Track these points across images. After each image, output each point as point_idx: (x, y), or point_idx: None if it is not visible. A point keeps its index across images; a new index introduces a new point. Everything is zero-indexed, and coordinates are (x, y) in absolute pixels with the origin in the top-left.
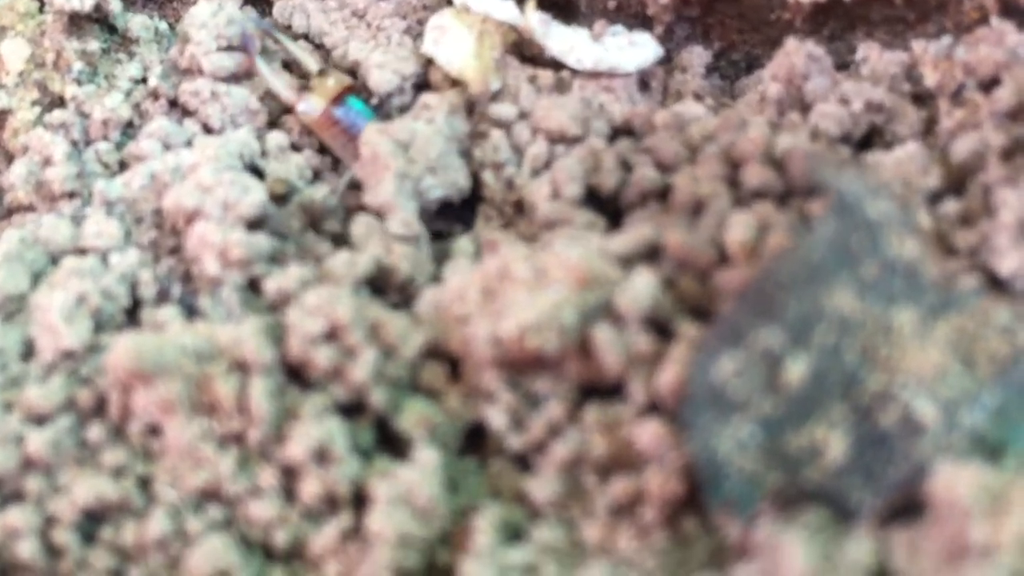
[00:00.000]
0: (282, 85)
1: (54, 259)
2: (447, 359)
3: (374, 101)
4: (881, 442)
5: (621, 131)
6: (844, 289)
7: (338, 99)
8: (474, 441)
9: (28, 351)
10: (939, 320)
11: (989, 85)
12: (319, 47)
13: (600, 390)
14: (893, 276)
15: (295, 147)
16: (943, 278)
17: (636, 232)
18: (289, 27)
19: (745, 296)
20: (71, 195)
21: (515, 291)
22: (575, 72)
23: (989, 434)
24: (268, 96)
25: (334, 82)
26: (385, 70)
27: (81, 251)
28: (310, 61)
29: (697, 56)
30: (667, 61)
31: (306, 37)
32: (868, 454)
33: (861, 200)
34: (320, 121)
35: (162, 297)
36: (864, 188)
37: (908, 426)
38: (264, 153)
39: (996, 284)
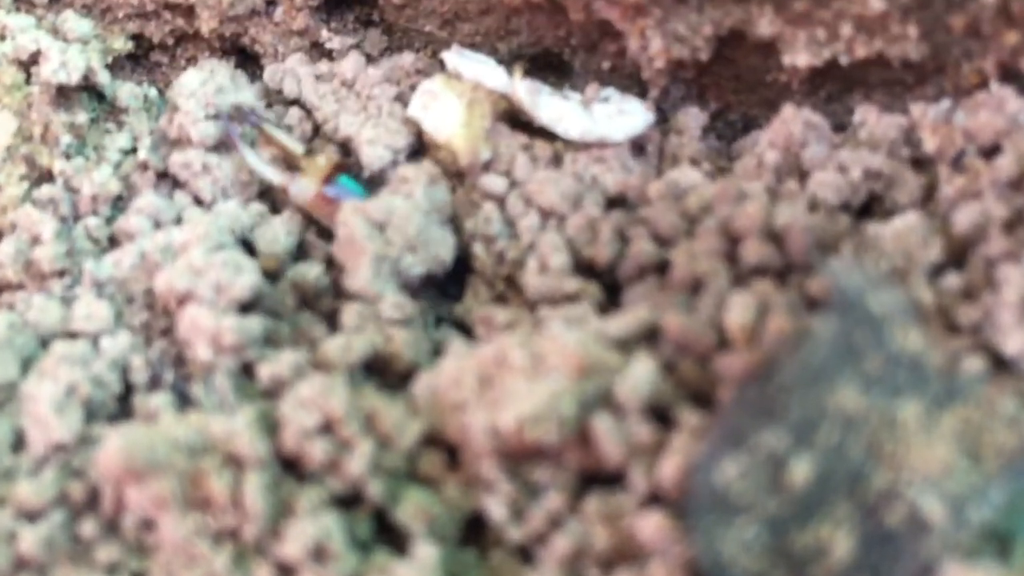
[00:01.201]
0: (271, 172)
1: (44, 343)
2: (445, 447)
3: (366, 175)
4: (888, 540)
5: (616, 202)
6: (848, 386)
7: (329, 178)
8: (474, 530)
9: (19, 442)
10: (944, 412)
11: (990, 152)
12: (309, 114)
13: (601, 479)
14: (897, 369)
15: (282, 214)
16: (947, 366)
17: (634, 314)
18: (280, 91)
19: (746, 398)
20: (61, 273)
21: (513, 379)
22: (567, 141)
23: (998, 529)
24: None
25: (324, 161)
26: (376, 145)
27: (71, 335)
28: (296, 146)
29: (693, 118)
30: (663, 121)
31: (297, 102)
32: (875, 553)
33: (863, 294)
34: (313, 202)
35: (154, 383)
36: (866, 281)
37: (915, 524)
38: (255, 225)
39: (1001, 363)
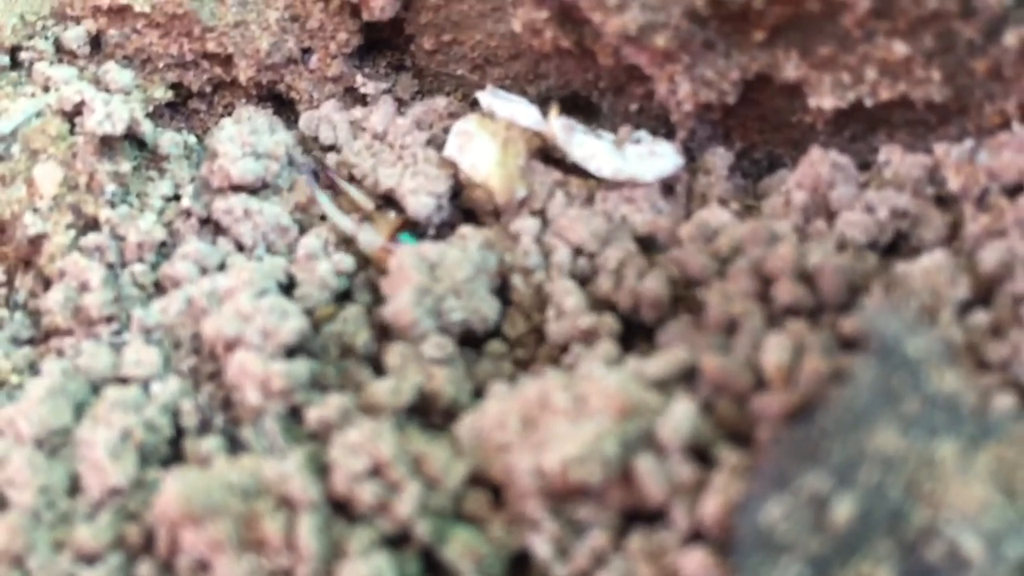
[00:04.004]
0: (345, 221)
1: (95, 388)
2: (490, 486)
3: (414, 222)
4: None
5: (645, 242)
6: (887, 428)
7: (395, 233)
8: (519, 568)
9: (74, 487)
10: (979, 451)
11: (1013, 191)
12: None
13: (643, 517)
14: (934, 410)
15: (328, 260)
16: (980, 404)
17: (671, 355)
18: (315, 138)
19: (788, 439)
20: (109, 319)
21: (556, 421)
22: (599, 179)
23: None
24: (296, 210)
25: (393, 217)
26: (419, 194)
27: (122, 380)
28: (366, 200)
29: (720, 157)
30: (690, 160)
31: (332, 148)
32: None
33: (901, 339)
34: (380, 253)
35: (204, 427)
36: (902, 324)
37: (954, 561)
38: (295, 267)
39: None
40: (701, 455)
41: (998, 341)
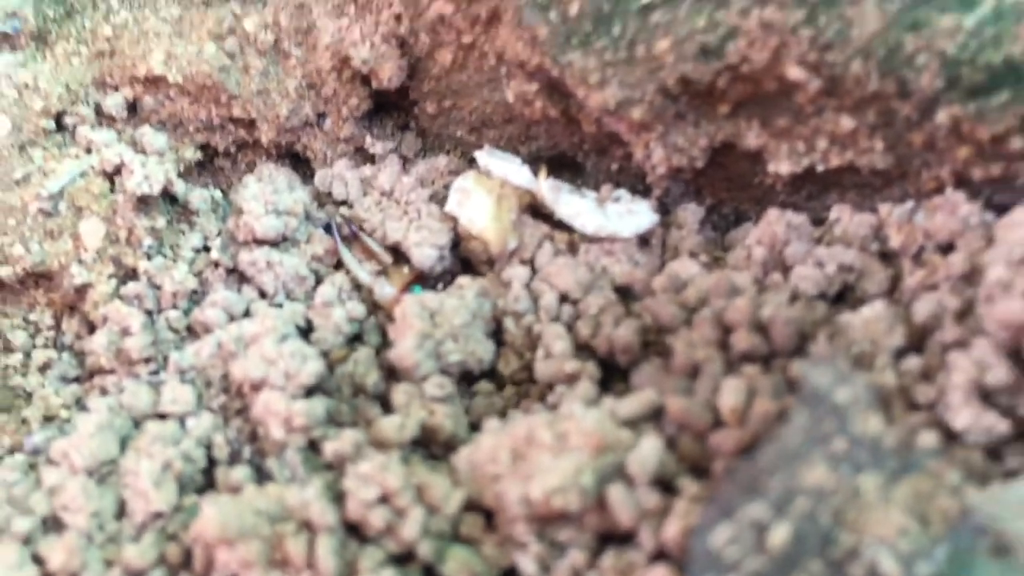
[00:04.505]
0: (364, 274)
1: (137, 423)
2: (483, 512)
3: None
4: None
5: (623, 290)
6: (818, 465)
7: (407, 286)
8: None
9: (121, 511)
10: (899, 484)
11: (945, 249)
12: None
13: (615, 538)
14: (859, 449)
15: (342, 308)
16: (903, 442)
17: (642, 397)
18: (329, 193)
19: (735, 475)
20: (147, 360)
21: (540, 455)
22: (583, 234)
23: None
24: (313, 260)
25: (407, 271)
26: (423, 247)
27: (161, 416)
28: (385, 255)
29: (691, 213)
30: (665, 215)
31: (344, 203)
32: None
33: (831, 389)
34: (391, 302)
35: (234, 458)
36: (834, 375)
37: None
38: (313, 313)
39: (952, 436)
40: (666, 485)
41: (927, 384)
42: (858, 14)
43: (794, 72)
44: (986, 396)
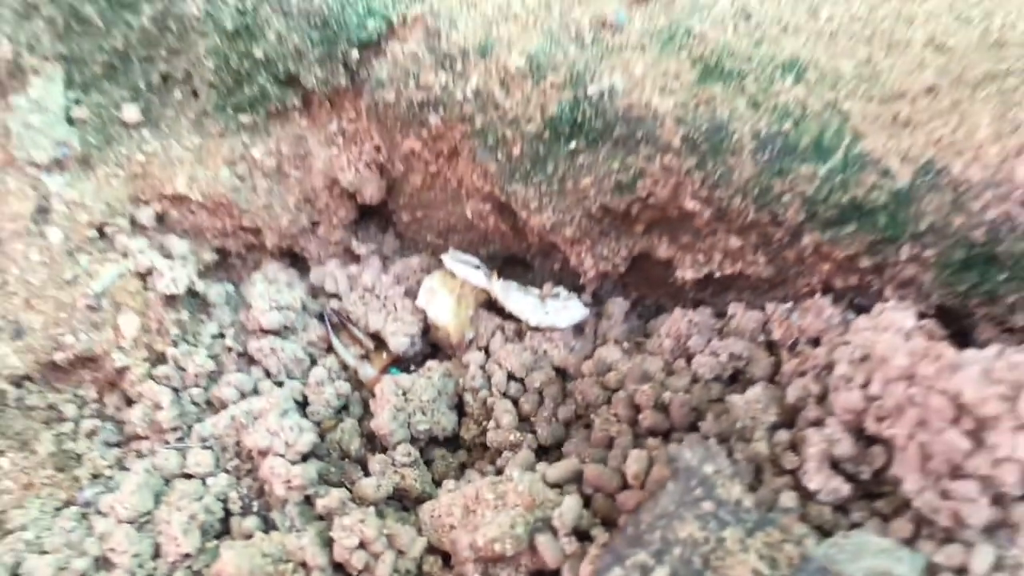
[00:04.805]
0: (350, 358)
1: (167, 482)
2: (441, 554)
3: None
4: None
5: (560, 371)
6: (690, 522)
7: (386, 368)
8: None
9: (157, 553)
10: (755, 536)
11: (814, 342)
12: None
13: (545, 574)
14: (723, 510)
15: (332, 386)
16: (764, 502)
17: (567, 464)
18: (322, 287)
19: (625, 531)
20: (175, 430)
21: (485, 511)
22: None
23: None
24: (308, 346)
25: (385, 356)
26: (398, 335)
27: (187, 476)
28: (367, 341)
29: (618, 306)
30: (597, 306)
31: (335, 295)
32: None
33: (700, 464)
34: (372, 381)
35: (245, 511)
36: (703, 455)
37: None
38: (308, 390)
39: (809, 496)
40: (583, 534)
41: (792, 454)
42: (737, 162)
43: (690, 204)
44: (834, 464)
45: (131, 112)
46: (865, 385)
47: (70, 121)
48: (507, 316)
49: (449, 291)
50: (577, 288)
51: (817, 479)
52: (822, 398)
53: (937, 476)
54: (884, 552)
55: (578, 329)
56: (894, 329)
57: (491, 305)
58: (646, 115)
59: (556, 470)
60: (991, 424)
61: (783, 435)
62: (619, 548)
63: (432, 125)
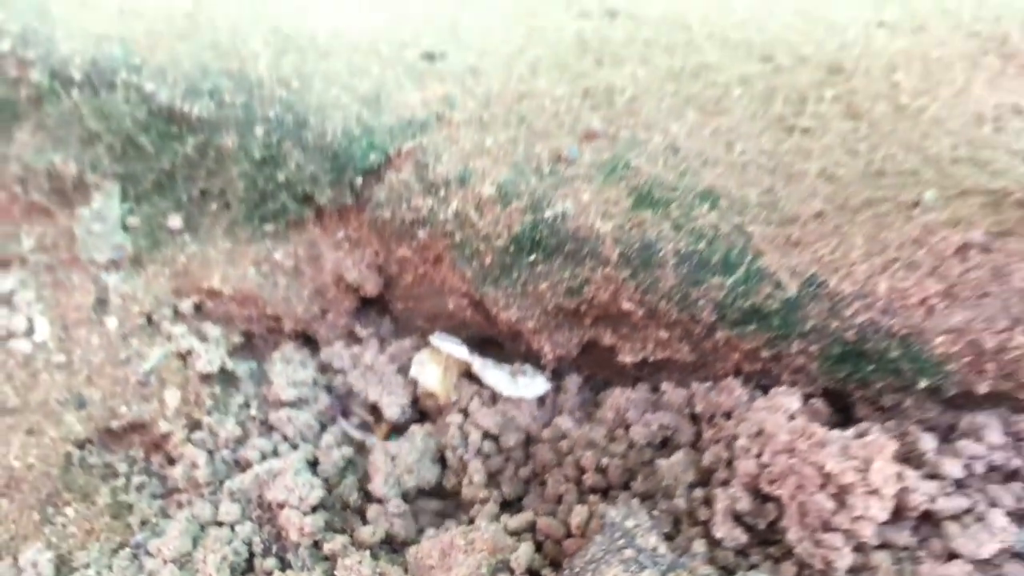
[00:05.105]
0: (355, 432)
1: (203, 528)
2: None
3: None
4: None
5: (526, 434)
6: (615, 565)
7: (387, 435)
8: None
9: None
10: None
11: (728, 416)
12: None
13: None
14: (642, 555)
15: (339, 450)
16: (678, 549)
17: (524, 516)
18: (331, 365)
19: (564, 573)
20: (209, 484)
21: (457, 554)
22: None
23: None
24: (319, 415)
25: (385, 426)
26: (393, 406)
27: (219, 523)
28: (368, 416)
29: (573, 382)
30: (558, 380)
31: (341, 371)
32: None
33: (624, 519)
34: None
35: (266, 553)
36: (626, 512)
37: None
38: (319, 453)
39: (716, 543)
40: (535, 574)
41: (706, 508)
42: (663, 273)
43: (626, 305)
44: (736, 517)
45: (175, 221)
46: (759, 455)
47: (125, 228)
48: (484, 386)
49: (437, 363)
50: (540, 366)
51: (723, 529)
52: (730, 463)
53: (812, 529)
54: None
55: (541, 400)
56: (782, 410)
57: (471, 376)
58: (591, 235)
59: (515, 521)
60: (849, 489)
61: (698, 493)
62: None
63: (420, 238)
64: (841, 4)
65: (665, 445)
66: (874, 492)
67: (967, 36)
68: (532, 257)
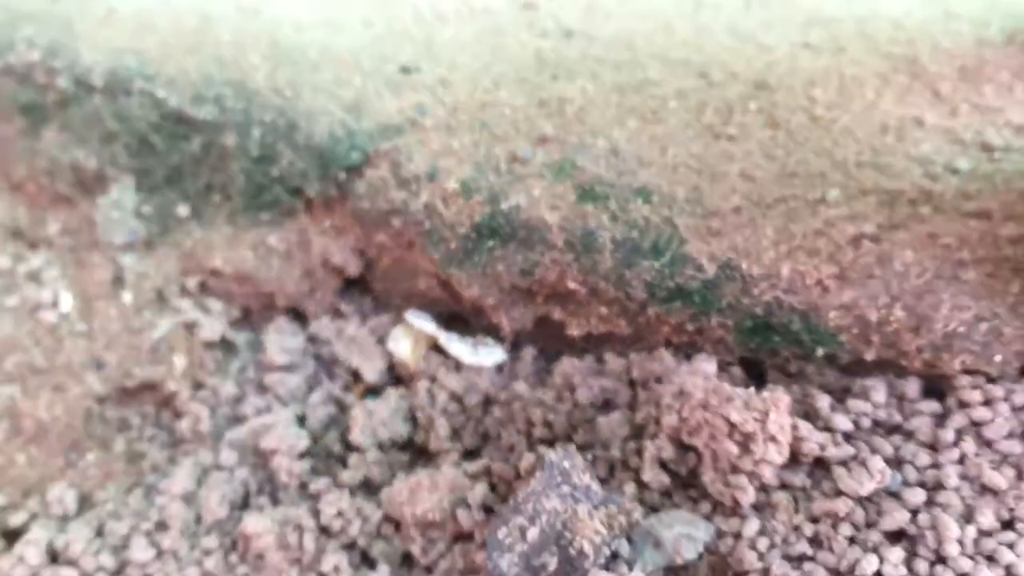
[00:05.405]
0: (337, 391)
1: (206, 472)
2: (394, 522)
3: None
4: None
5: (485, 396)
6: (554, 499)
7: (363, 395)
8: (408, 561)
9: (199, 519)
10: (600, 510)
11: (659, 380)
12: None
13: (463, 536)
14: (577, 491)
15: (323, 407)
16: (608, 488)
17: (480, 462)
18: (319, 337)
19: (509, 504)
20: (210, 435)
21: (423, 492)
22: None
23: None
24: (306, 379)
25: (362, 387)
26: (371, 371)
27: (219, 468)
28: (350, 379)
29: (528, 352)
30: (515, 350)
31: (328, 343)
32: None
33: (562, 460)
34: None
35: (260, 492)
36: (564, 454)
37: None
38: (307, 410)
39: (644, 486)
40: (488, 509)
41: (637, 458)
42: (602, 258)
43: (571, 285)
44: (662, 464)
45: (183, 209)
46: (680, 411)
47: (139, 215)
48: (449, 356)
49: (409, 337)
50: (500, 339)
51: (650, 474)
52: (658, 420)
53: (723, 472)
54: (689, 522)
55: (499, 368)
56: (700, 374)
57: (438, 349)
58: (541, 224)
59: (473, 466)
60: (752, 437)
61: (631, 445)
62: (505, 515)
63: (395, 226)
64: (772, 27)
65: (606, 406)
66: (772, 439)
67: (882, 57)
68: (491, 243)
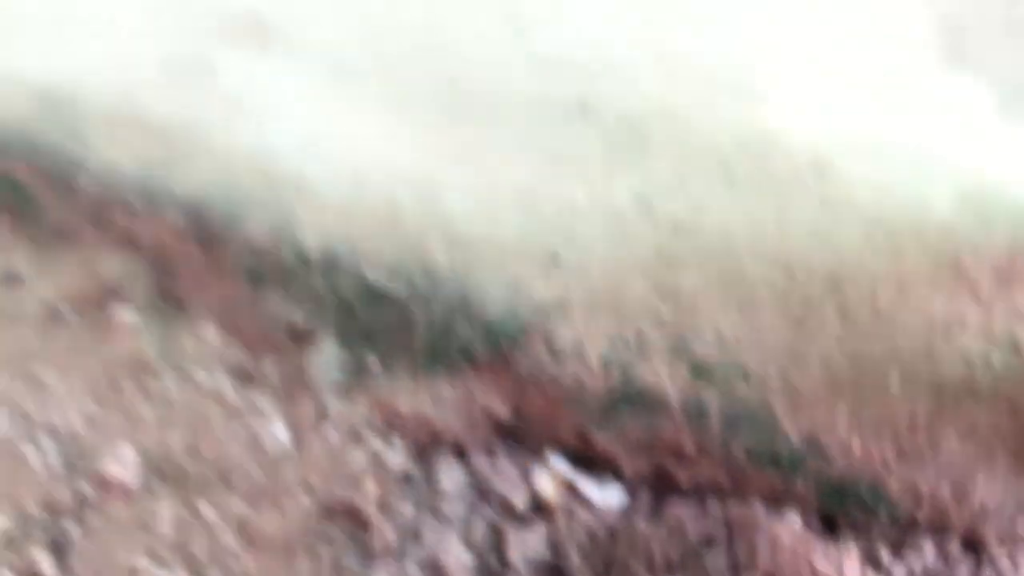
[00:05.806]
0: (493, 516)
1: None
2: None
3: None
4: None
5: (612, 530)
6: None
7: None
8: None
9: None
10: None
11: (753, 527)
12: None
13: None
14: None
15: None
16: None
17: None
18: (477, 470)
19: None
20: (397, 551)
21: None
22: None
23: None
24: (471, 504)
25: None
26: (521, 502)
27: None
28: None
29: (645, 494)
30: (632, 491)
31: (487, 476)
32: None
33: None
34: None
35: None
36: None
37: None
38: (470, 533)
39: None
40: None
41: None
42: (709, 425)
43: (685, 445)
44: None
45: (375, 364)
46: (773, 553)
47: (340, 365)
48: (581, 495)
49: (550, 476)
50: (622, 481)
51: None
52: (753, 561)
53: None
54: None
55: (621, 506)
56: (789, 525)
57: (571, 487)
58: (662, 395)
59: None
60: None
61: None
62: None
63: (544, 387)
64: (841, 226)
65: (708, 543)
66: None
67: (931, 259)
68: (621, 407)
